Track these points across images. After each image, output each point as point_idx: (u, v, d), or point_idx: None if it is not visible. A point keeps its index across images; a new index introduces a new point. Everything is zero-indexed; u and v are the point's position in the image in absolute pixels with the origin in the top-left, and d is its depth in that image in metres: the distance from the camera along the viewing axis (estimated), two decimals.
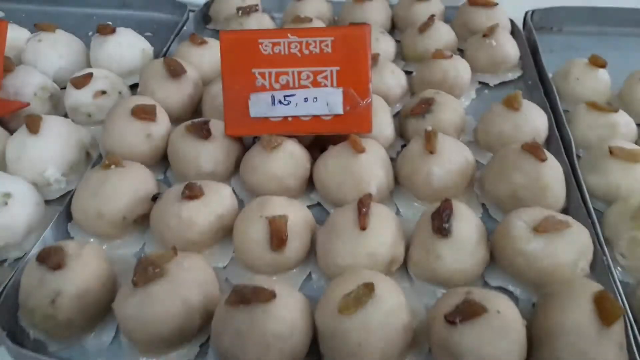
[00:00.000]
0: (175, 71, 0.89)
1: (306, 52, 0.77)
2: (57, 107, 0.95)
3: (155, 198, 0.74)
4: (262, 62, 0.78)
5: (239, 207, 0.74)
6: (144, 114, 0.80)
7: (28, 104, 0.89)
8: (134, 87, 0.99)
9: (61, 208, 0.78)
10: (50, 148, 0.79)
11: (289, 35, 0.77)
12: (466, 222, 0.66)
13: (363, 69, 0.76)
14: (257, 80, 0.79)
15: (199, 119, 0.81)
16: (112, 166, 0.74)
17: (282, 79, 0.78)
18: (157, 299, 0.57)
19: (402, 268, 0.69)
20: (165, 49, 1.05)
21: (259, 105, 0.78)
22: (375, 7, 1.12)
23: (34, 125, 0.79)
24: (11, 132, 0.87)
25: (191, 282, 0.60)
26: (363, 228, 0.64)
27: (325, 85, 0.77)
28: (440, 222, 0.64)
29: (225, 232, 0.72)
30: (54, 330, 0.61)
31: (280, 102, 0.78)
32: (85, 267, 0.61)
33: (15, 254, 0.73)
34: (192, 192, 0.69)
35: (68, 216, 0.76)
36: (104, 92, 0.90)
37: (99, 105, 0.90)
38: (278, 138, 0.77)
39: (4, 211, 0.70)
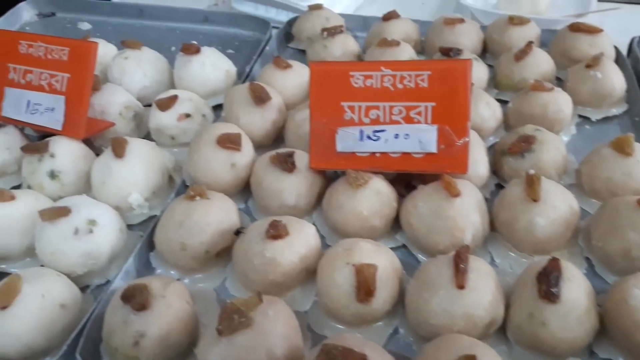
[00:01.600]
0: (260, 98, 0.87)
1: (400, 86, 0.73)
2: (140, 127, 0.96)
3: (238, 233, 0.72)
4: (352, 95, 0.75)
5: (321, 245, 0.71)
6: (230, 143, 0.79)
7: (114, 124, 0.90)
8: (216, 108, 0.98)
9: (142, 233, 0.78)
10: (134, 173, 0.79)
11: (382, 68, 0.73)
12: (576, 285, 0.59)
13: (462, 106, 0.71)
14: (346, 113, 0.75)
15: (284, 150, 0.79)
16: (197, 197, 0.72)
17: (373, 113, 0.74)
18: (242, 351, 0.55)
19: (500, 328, 0.63)
20: (248, 70, 1.04)
21: (347, 140, 0.75)
22: (466, 30, 1.06)
23: (120, 149, 0.79)
24: (93, 147, 0.88)
25: (276, 333, 0.57)
26: (461, 287, 0.59)
27: (419, 122, 0.73)
28: (548, 286, 0.58)
29: (308, 273, 0.69)
30: None
31: (369, 137, 0.74)
32: (169, 309, 0.60)
33: (97, 280, 0.73)
34: (276, 232, 0.66)
35: (150, 245, 0.75)
36: (188, 115, 0.90)
37: (183, 128, 0.89)
38: (365, 175, 0.73)
39: (89, 238, 0.70)
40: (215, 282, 0.72)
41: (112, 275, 0.73)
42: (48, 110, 0.86)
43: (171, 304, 0.60)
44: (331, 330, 0.65)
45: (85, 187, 0.84)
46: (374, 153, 0.74)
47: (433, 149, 0.72)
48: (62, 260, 0.69)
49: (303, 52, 1.14)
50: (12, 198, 0.74)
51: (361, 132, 0.74)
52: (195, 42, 1.00)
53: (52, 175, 0.81)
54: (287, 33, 1.19)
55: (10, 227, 0.73)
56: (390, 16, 1.10)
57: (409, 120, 0.73)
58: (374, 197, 0.72)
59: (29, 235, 0.73)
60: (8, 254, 0.74)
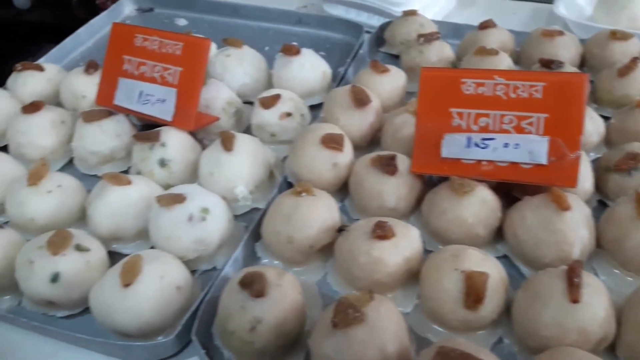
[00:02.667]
0: (361, 101, 0.88)
1: (513, 95, 0.73)
2: (240, 122, 0.99)
3: (341, 230, 0.74)
4: (462, 102, 0.75)
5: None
6: (333, 143, 0.81)
7: (218, 118, 0.94)
8: (312, 108, 1.00)
9: (245, 224, 0.81)
10: (241, 166, 0.82)
11: (495, 77, 0.74)
12: None
13: (576, 120, 0.71)
14: (454, 120, 0.76)
15: (386, 153, 0.80)
16: (304, 194, 0.74)
17: (482, 121, 0.75)
18: (356, 344, 0.56)
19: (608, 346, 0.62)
20: (342, 72, 1.06)
21: (453, 146, 0.76)
22: (566, 43, 1.04)
23: (229, 142, 0.83)
24: (195, 140, 0.91)
25: (388, 330, 0.58)
26: (575, 301, 0.58)
27: (530, 132, 0.73)
28: None
29: (410, 276, 0.70)
30: (247, 356, 0.62)
31: (476, 144, 0.75)
32: (285, 298, 0.62)
33: (205, 266, 0.76)
34: (383, 232, 0.68)
35: (254, 236, 0.78)
36: (289, 114, 0.92)
37: (283, 126, 0.92)
38: (471, 183, 0.73)
39: (202, 226, 0.73)
40: (316, 276, 0.74)
41: (218, 261, 0.76)
42: (159, 101, 0.90)
43: (286, 293, 0.63)
44: (434, 334, 0.66)
45: (191, 176, 0.88)
46: (480, 161, 0.75)
47: (543, 160, 0.72)
48: (175, 245, 0.73)
49: (394, 56, 1.15)
50: (129, 183, 0.79)
51: (469, 139, 0.75)
52: (295, 44, 1.03)
53: (162, 163, 0.85)
54: (379, 37, 1.20)
55: (126, 210, 0.77)
56: (487, 25, 1.10)
57: (519, 130, 0.73)
58: (479, 205, 0.73)
59: (141, 218, 0.78)
60: (122, 235, 0.78)
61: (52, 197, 0.80)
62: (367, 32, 1.19)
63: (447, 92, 0.76)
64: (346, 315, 0.57)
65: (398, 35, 1.14)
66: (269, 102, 0.92)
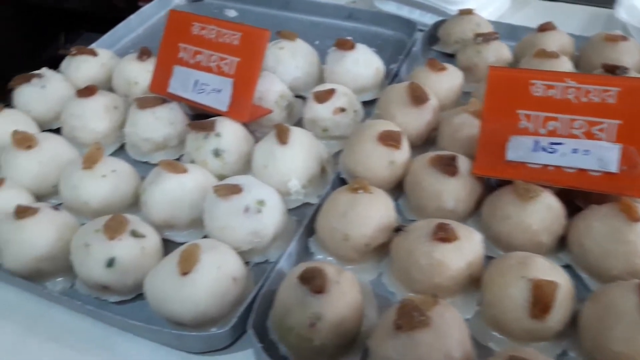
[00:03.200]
0: (419, 98, 0.86)
1: (584, 99, 0.71)
2: (291, 116, 0.98)
3: (398, 230, 0.72)
4: (530, 104, 0.73)
5: None
6: (391, 140, 0.79)
7: (271, 111, 0.93)
8: (363, 105, 0.99)
9: (297, 218, 0.80)
10: (295, 160, 0.81)
11: (566, 79, 0.71)
12: None
13: None
14: (521, 122, 0.73)
15: (445, 153, 0.78)
16: (360, 191, 0.73)
17: (550, 124, 0.72)
18: (421, 348, 0.55)
19: None
20: (396, 69, 1.04)
21: (519, 149, 0.73)
22: (629, 48, 1.00)
23: (284, 135, 0.82)
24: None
25: (454, 337, 0.56)
26: None
27: (600, 139, 0.70)
28: None
29: (471, 281, 0.68)
30: (305, 353, 0.61)
31: (543, 148, 0.72)
32: (345, 296, 0.61)
33: (257, 258, 0.76)
34: (446, 234, 0.66)
35: (307, 231, 0.77)
36: (342, 110, 0.91)
37: (337, 121, 0.91)
38: (536, 188, 0.71)
39: (258, 218, 0.72)
40: (370, 275, 0.73)
41: (271, 254, 0.75)
42: (215, 91, 0.90)
43: (346, 291, 0.61)
44: (496, 342, 0.64)
45: (244, 168, 0.87)
46: (546, 166, 0.72)
47: (613, 168, 0.69)
48: (231, 236, 0.72)
49: (447, 55, 1.13)
50: (185, 171, 0.78)
51: (536, 142, 0.72)
52: (350, 38, 1.01)
53: (216, 153, 0.85)
54: (432, 35, 1.18)
55: (181, 198, 0.77)
56: (546, 27, 1.07)
57: (589, 135, 0.70)
58: (544, 211, 0.70)
59: (195, 207, 0.77)
60: (175, 224, 0.78)
61: (107, 182, 0.80)
62: (420, 30, 1.17)
63: (515, 93, 0.73)
64: (411, 317, 0.56)
65: (453, 34, 1.12)
66: (324, 97, 0.91)
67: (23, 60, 1.90)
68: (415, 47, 1.12)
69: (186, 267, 0.64)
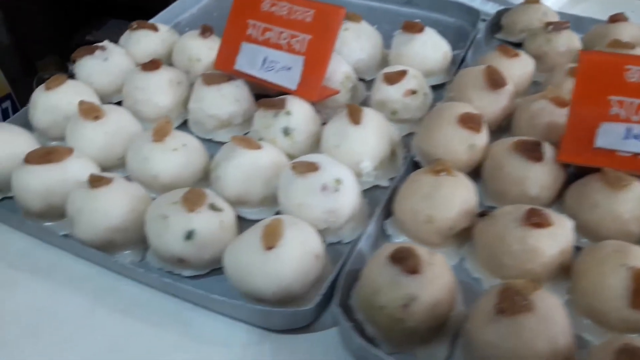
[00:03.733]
0: (497, 82, 0.84)
1: None
2: (355, 99, 0.96)
3: (482, 215, 0.70)
4: (624, 90, 0.70)
5: None
6: (472, 123, 0.77)
7: (339, 91, 0.91)
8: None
9: (367, 200, 0.78)
10: (368, 141, 0.79)
11: None
12: None
13: None
14: (612, 108, 0.71)
15: (528, 139, 0.75)
16: (443, 173, 0.71)
17: None
18: (525, 333, 0.52)
19: None
20: (463, 54, 1.02)
21: (609, 136, 0.71)
22: None
23: (356, 116, 0.79)
24: None
25: (557, 322, 0.54)
26: None
27: None
28: None
29: (561, 269, 0.65)
30: (395, 334, 0.59)
31: (636, 136, 0.69)
32: (439, 278, 0.59)
33: (330, 238, 0.74)
34: (540, 220, 0.64)
35: (384, 213, 0.75)
36: (413, 92, 0.89)
37: (406, 103, 0.89)
38: (627, 176, 0.68)
39: (335, 197, 0.70)
40: (451, 260, 0.70)
41: (345, 235, 0.74)
42: (284, 69, 0.88)
43: (439, 273, 0.59)
44: (590, 332, 0.61)
45: (312, 148, 0.85)
46: (637, 154, 0.70)
47: None
48: (307, 214, 0.70)
49: (511, 44, 1.10)
50: (259, 147, 0.76)
51: (628, 130, 0.70)
52: (419, 21, 0.99)
53: (286, 132, 0.83)
54: (494, 24, 1.15)
55: (255, 175, 0.75)
56: (617, 18, 1.04)
57: None
58: (636, 201, 0.68)
59: (268, 184, 0.75)
60: (248, 200, 0.76)
61: (178, 156, 0.78)
62: (483, 20, 1.14)
63: (607, 79, 0.71)
64: (514, 302, 0.54)
65: (519, 22, 1.09)
66: (395, 78, 0.89)
67: (52, 45, 1.91)
68: (478, 34, 1.09)
69: (271, 241, 0.62)
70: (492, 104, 0.85)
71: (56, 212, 0.76)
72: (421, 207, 0.69)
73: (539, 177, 0.73)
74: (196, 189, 0.70)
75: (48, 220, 0.77)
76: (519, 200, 0.72)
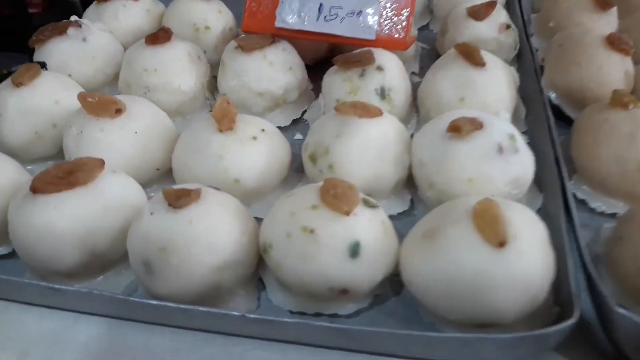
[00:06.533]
0: (606, 1, 0.70)
1: None
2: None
3: None
4: None
5: None
6: (623, 44, 0.61)
7: (414, 38, 0.71)
8: None
9: None
10: (499, 86, 0.61)
11: None
12: None
13: None
14: None
15: None
16: (631, 105, 0.54)
17: None
18: None
19: None
20: None
21: None
22: None
23: (477, 56, 0.61)
24: None
25: None
26: None
27: None
28: None
29: None
30: None
31: None
32: None
33: None
34: None
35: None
36: (508, 26, 0.72)
37: (501, 41, 0.72)
38: None
39: (516, 159, 0.51)
40: None
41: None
42: (352, 14, 0.66)
43: None
44: None
45: (409, 110, 0.65)
46: None
47: None
48: (484, 189, 0.50)
49: None
50: (380, 114, 0.55)
51: None
52: None
53: (383, 93, 0.62)
54: None
55: (386, 153, 0.53)
56: None
57: None
58: None
59: (400, 164, 0.55)
60: (378, 190, 0.54)
61: (259, 146, 0.54)
62: None
63: None
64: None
65: None
66: (483, 12, 0.71)
67: None
68: None
69: (498, 234, 0.41)
70: (606, 26, 0.70)
71: (97, 264, 0.48)
72: (628, 152, 0.52)
73: None
74: (334, 179, 0.46)
75: (81, 280, 0.49)
76: None
